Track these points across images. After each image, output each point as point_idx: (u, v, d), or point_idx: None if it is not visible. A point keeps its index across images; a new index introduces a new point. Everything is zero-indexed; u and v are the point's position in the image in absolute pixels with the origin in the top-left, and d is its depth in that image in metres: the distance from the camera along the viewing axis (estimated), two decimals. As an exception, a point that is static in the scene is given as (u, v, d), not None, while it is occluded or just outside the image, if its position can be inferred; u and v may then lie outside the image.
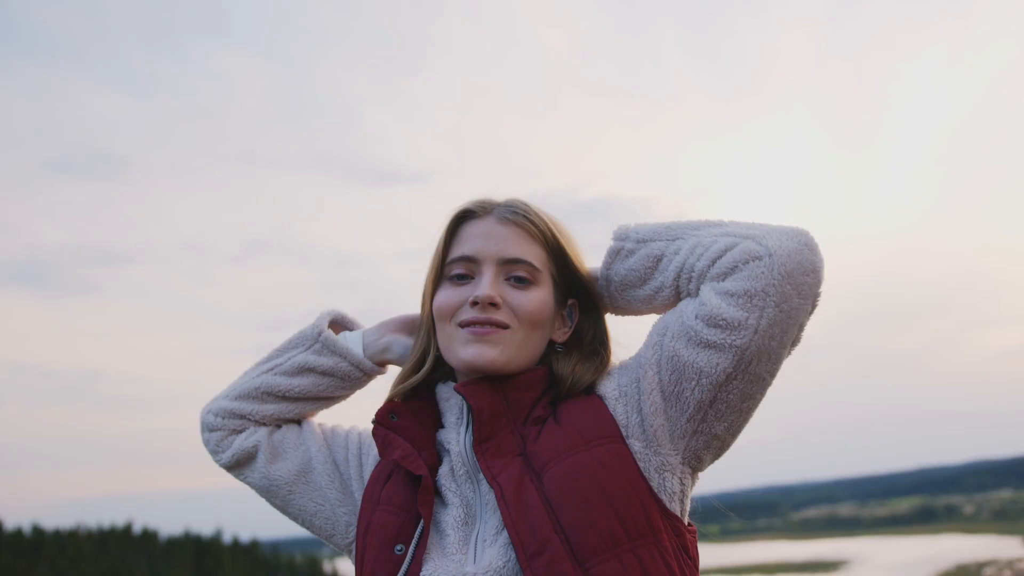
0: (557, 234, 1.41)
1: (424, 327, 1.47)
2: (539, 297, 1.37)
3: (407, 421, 1.39)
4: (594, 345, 1.44)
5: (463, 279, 1.39)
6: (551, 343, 1.44)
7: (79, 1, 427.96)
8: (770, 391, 1.28)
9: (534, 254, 1.38)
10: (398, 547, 1.32)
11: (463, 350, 1.33)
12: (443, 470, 1.37)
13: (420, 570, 1.27)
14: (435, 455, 1.40)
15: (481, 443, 1.32)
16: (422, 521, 1.31)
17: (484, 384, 1.34)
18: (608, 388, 1.33)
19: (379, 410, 1.41)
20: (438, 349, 1.44)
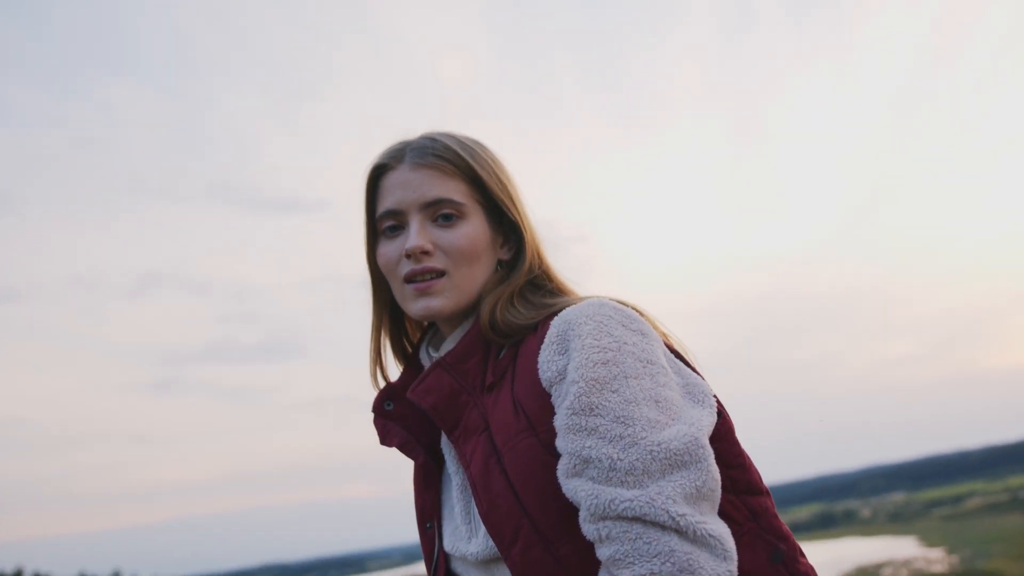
0: (472, 162, 1.40)
1: (373, 288, 1.49)
2: (468, 231, 1.38)
3: (402, 407, 1.42)
4: (517, 270, 1.42)
5: (396, 230, 1.40)
6: (500, 262, 1.44)
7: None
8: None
9: (453, 189, 1.38)
10: (428, 524, 1.42)
11: (413, 306, 1.38)
12: (444, 441, 1.41)
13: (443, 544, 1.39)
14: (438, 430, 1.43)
15: (451, 432, 1.33)
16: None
17: (433, 374, 1.35)
18: (547, 365, 1.25)
19: (375, 399, 1.44)
20: (390, 305, 1.49)
